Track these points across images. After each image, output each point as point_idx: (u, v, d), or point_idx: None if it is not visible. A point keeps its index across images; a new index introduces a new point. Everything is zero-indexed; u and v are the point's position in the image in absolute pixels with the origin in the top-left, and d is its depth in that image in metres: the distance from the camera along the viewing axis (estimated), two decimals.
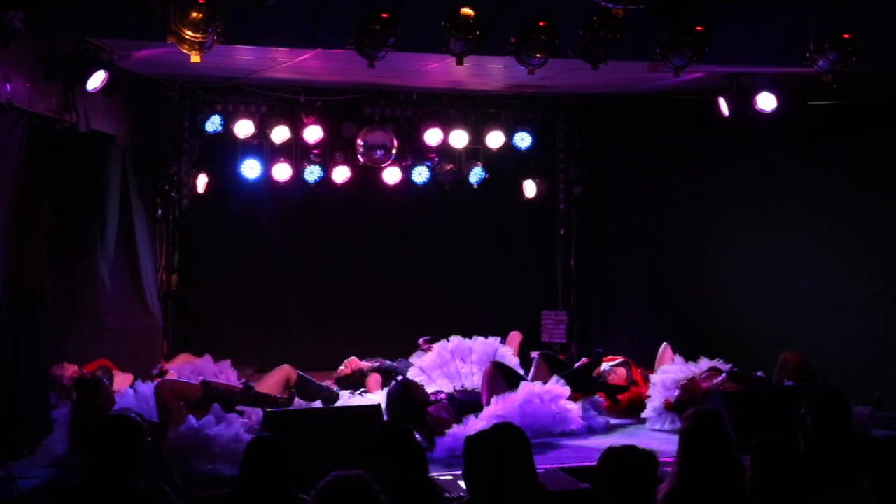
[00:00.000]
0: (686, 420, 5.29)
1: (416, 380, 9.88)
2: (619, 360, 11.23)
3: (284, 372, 10.07)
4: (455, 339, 10.56)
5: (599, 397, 10.18)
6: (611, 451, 4.65)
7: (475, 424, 8.79)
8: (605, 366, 11.17)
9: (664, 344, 10.93)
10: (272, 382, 9.95)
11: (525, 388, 9.39)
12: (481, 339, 10.64)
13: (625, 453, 4.60)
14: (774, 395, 8.88)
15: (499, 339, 10.81)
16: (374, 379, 10.65)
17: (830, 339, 9.98)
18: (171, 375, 9.91)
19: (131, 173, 11.10)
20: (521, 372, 10.15)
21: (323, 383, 10.53)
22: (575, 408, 9.46)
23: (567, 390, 9.49)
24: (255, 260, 12.76)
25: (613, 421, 10.01)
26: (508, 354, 10.55)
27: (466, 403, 9.50)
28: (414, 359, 10.80)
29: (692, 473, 5.03)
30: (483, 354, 10.26)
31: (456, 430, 8.90)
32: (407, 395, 9.02)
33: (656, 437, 9.19)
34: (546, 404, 9.26)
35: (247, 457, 4.84)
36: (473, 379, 9.99)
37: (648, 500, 4.59)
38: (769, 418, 7.09)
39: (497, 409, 9.14)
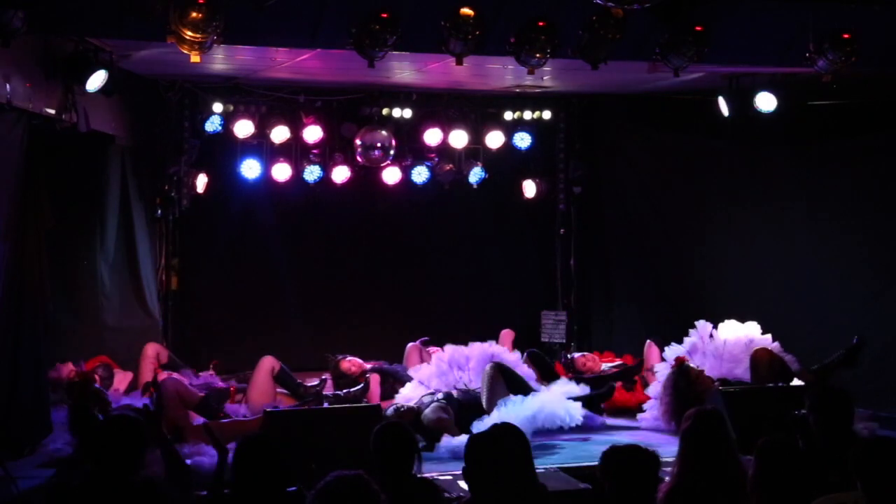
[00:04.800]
0: (686, 420, 5.29)
1: (415, 390, 9.90)
2: (618, 362, 11.25)
3: (269, 363, 10.12)
4: (450, 348, 10.36)
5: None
6: (613, 451, 4.64)
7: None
8: (603, 366, 11.20)
9: (648, 342, 10.93)
10: (261, 377, 10.01)
11: (535, 399, 9.34)
12: (477, 343, 10.51)
13: (628, 453, 4.60)
14: (774, 395, 8.89)
15: (493, 342, 10.67)
16: (374, 379, 10.63)
17: (831, 337, 9.98)
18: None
19: (131, 173, 11.10)
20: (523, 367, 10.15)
21: (318, 378, 10.49)
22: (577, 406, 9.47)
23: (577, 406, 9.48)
24: (255, 260, 12.75)
25: (612, 421, 10.02)
26: (505, 353, 10.44)
27: (465, 403, 9.47)
28: (412, 371, 10.67)
29: (692, 473, 5.03)
30: (480, 360, 10.15)
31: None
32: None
33: (656, 437, 9.19)
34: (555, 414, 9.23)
35: (236, 457, 4.84)
36: (471, 386, 9.96)
37: (650, 499, 4.58)
38: (769, 418, 7.10)
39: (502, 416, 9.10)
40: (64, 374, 9.69)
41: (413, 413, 9.15)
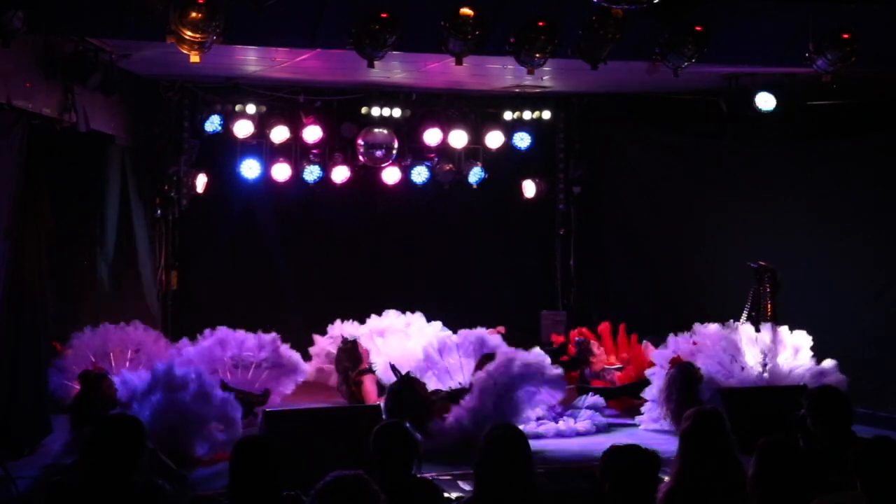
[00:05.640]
0: (686, 420, 5.29)
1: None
2: (617, 364, 11.22)
3: None
4: (437, 340, 10.39)
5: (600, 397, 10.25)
6: (613, 451, 4.64)
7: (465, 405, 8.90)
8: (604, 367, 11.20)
9: (645, 342, 10.93)
10: None
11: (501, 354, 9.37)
12: (464, 330, 10.48)
13: (628, 453, 4.60)
14: (774, 395, 8.88)
15: (483, 328, 10.60)
16: (371, 379, 10.62)
17: (831, 337, 9.98)
18: None
19: (131, 173, 11.10)
20: None
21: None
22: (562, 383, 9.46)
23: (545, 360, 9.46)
24: (255, 259, 12.76)
25: (612, 421, 10.02)
26: (496, 339, 10.36)
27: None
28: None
29: (692, 473, 5.03)
30: (467, 344, 10.10)
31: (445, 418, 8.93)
32: (410, 391, 9.00)
33: (656, 437, 9.19)
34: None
35: (234, 457, 4.83)
36: (463, 371, 9.92)
37: (650, 499, 4.58)
38: (769, 418, 7.10)
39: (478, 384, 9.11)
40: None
41: (424, 385, 9.19)
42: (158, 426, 7.81)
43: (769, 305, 10.08)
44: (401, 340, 11.14)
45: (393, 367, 9.53)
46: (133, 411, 7.90)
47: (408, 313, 11.72)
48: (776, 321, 9.92)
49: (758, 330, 9.77)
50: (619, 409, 10.42)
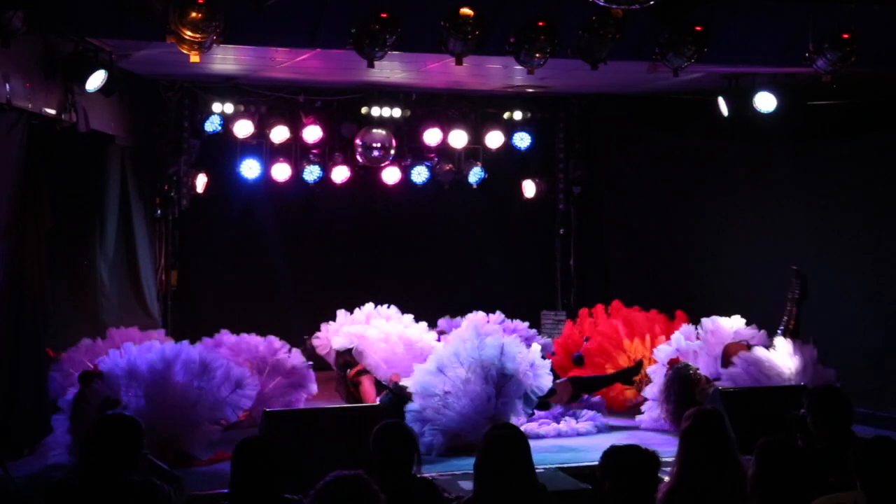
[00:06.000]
0: (686, 420, 5.30)
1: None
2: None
3: None
4: (421, 348, 10.31)
5: (600, 397, 10.27)
6: (613, 451, 4.65)
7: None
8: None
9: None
10: None
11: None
12: (456, 330, 10.35)
13: (627, 453, 4.61)
14: (774, 395, 8.88)
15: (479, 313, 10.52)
16: (369, 380, 10.62)
17: (830, 337, 9.97)
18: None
19: (131, 173, 11.10)
20: None
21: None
22: (545, 364, 9.43)
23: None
24: (255, 260, 12.76)
25: (612, 421, 10.03)
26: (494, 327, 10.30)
27: None
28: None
29: (692, 473, 5.04)
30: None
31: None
32: (401, 402, 9.01)
33: (656, 437, 9.19)
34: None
35: (234, 458, 4.84)
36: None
37: (650, 499, 4.59)
38: (769, 418, 7.10)
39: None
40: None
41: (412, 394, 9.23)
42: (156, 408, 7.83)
43: (793, 311, 9.96)
44: (380, 342, 11.00)
45: (378, 383, 9.58)
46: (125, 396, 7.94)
47: (380, 307, 11.38)
48: (797, 332, 9.80)
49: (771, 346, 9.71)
50: (617, 407, 10.44)
